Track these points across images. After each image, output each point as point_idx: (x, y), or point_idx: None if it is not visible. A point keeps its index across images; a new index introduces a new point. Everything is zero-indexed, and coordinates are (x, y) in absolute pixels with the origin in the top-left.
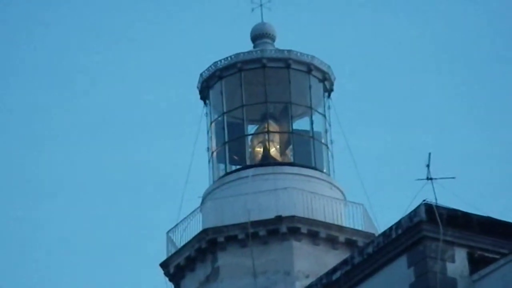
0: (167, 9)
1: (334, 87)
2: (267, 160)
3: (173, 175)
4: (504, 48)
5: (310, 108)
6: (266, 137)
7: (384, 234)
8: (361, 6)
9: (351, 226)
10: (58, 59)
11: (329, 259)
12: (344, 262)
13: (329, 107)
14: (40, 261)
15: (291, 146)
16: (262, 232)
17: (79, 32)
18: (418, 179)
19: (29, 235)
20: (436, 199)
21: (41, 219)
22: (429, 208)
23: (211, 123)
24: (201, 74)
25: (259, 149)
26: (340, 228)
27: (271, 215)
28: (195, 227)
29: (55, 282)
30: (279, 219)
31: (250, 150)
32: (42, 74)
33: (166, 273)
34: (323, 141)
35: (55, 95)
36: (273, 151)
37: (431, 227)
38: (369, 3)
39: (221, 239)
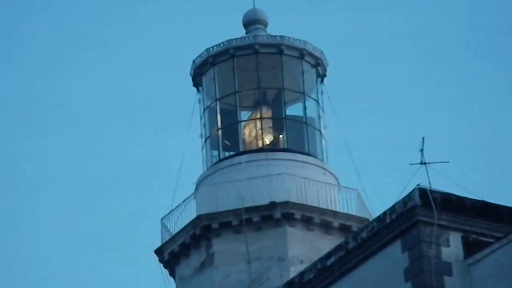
0: None
1: (327, 73)
2: (264, 146)
3: (167, 162)
4: (496, 34)
5: (303, 93)
6: (260, 123)
7: (378, 219)
8: None
9: (345, 211)
10: (48, 48)
11: (323, 244)
12: (338, 247)
13: (322, 93)
14: (34, 249)
15: (284, 132)
16: (256, 218)
17: (71, 19)
18: (412, 164)
19: (22, 224)
20: (430, 183)
21: (35, 209)
22: (423, 192)
23: (204, 110)
24: (193, 61)
25: (253, 135)
26: (334, 214)
27: (265, 201)
28: (189, 214)
29: (49, 270)
30: (273, 205)
31: (243, 136)
32: (30, 64)
33: (161, 260)
34: (316, 126)
35: (46, 84)
36: (266, 137)
37: (425, 211)
38: None
39: (215, 225)
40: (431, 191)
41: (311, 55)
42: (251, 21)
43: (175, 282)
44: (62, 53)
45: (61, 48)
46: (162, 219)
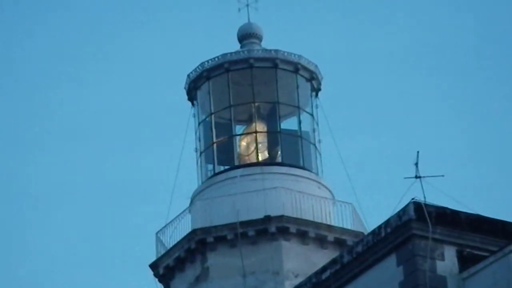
0: (154, 10)
1: (322, 87)
2: (259, 160)
3: (162, 176)
4: (490, 49)
5: (298, 107)
6: (255, 137)
7: (373, 232)
8: (348, 5)
9: (340, 225)
10: (45, 63)
11: (318, 258)
12: (333, 261)
13: (316, 107)
14: (29, 263)
15: (279, 146)
16: (251, 232)
17: (67, 35)
18: (407, 178)
19: (17, 238)
20: (424, 197)
21: (30, 222)
22: (418, 206)
23: (199, 124)
24: (188, 75)
25: (248, 149)
26: (329, 227)
27: (260, 215)
28: (184, 228)
29: (44, 284)
30: (268, 219)
31: (238, 150)
32: (29, 78)
33: (156, 274)
34: (311, 140)
35: (43, 99)
36: (261, 151)
37: (420, 225)
38: (357, 2)
39: (210, 239)
40: (426, 205)
41: (306, 69)
42: (246, 35)
43: None
44: (58, 67)
45: (57, 62)
46: (157, 233)
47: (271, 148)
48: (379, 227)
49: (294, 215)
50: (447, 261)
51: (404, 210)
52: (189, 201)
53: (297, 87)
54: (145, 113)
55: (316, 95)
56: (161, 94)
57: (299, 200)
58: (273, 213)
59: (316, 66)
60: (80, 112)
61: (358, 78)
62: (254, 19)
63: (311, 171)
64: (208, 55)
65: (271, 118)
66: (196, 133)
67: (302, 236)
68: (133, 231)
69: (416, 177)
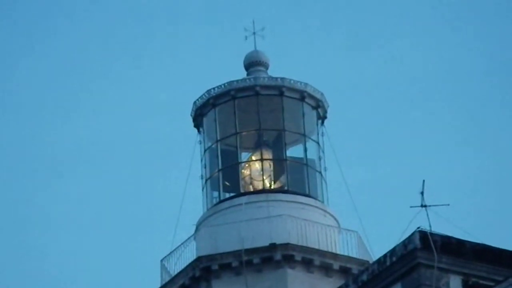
0: (160, 37)
1: (328, 114)
2: (264, 188)
3: (167, 203)
4: (497, 77)
5: (304, 135)
6: (261, 164)
7: (378, 261)
8: (355, 34)
9: (346, 254)
10: (52, 90)
11: (323, 286)
12: None
13: (322, 134)
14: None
15: (285, 174)
16: (256, 260)
17: (72, 63)
18: (412, 206)
19: (22, 263)
20: (430, 226)
21: (37, 248)
22: (423, 235)
23: (204, 151)
24: (194, 102)
25: (254, 177)
26: (335, 256)
27: (265, 242)
28: (189, 255)
29: None
30: (273, 246)
31: (243, 177)
32: (32, 105)
33: None
34: (317, 168)
35: (49, 125)
36: (267, 178)
37: (425, 254)
38: (362, 31)
39: (215, 267)
40: (431, 234)
41: (312, 97)
42: (252, 63)
43: None
44: (64, 96)
45: (63, 90)
46: (161, 260)
47: (276, 175)
48: (385, 255)
49: (300, 243)
50: None
51: (409, 239)
52: (194, 228)
53: (303, 115)
54: (151, 140)
55: (322, 123)
56: (167, 121)
57: (304, 228)
58: (279, 240)
59: (322, 94)
60: (87, 138)
61: (364, 106)
62: (260, 47)
63: (316, 199)
64: (215, 82)
65: (277, 146)
66: (202, 160)
67: (308, 264)
68: (138, 258)
69: (422, 206)
